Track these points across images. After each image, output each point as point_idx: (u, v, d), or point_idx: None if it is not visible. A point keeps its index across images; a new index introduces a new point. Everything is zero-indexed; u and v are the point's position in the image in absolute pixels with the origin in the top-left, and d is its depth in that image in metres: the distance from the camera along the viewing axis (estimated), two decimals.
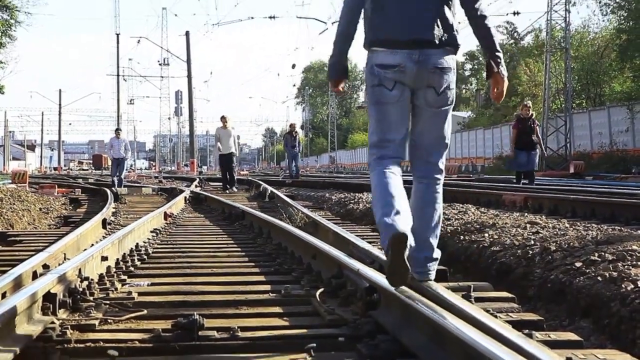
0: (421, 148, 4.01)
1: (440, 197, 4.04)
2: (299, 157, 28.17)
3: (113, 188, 18.79)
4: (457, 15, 4.02)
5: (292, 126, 28.42)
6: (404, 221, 3.59)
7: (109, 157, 25.64)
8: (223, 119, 21.06)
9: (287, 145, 27.44)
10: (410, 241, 3.53)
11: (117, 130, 24.13)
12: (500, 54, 4.01)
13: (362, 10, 4.01)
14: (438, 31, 3.86)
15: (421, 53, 3.83)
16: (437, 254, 4.02)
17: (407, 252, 3.50)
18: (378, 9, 3.92)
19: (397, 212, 3.62)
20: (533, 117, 17.53)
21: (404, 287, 3.62)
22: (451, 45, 3.92)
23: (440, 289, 3.71)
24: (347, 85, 4.99)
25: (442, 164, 4.03)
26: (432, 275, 3.98)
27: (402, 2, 3.88)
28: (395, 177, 3.85)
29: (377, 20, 3.92)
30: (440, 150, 4.01)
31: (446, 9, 3.93)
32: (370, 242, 6.21)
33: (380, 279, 3.86)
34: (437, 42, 3.85)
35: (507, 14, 45.46)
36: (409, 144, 4.02)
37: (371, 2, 3.94)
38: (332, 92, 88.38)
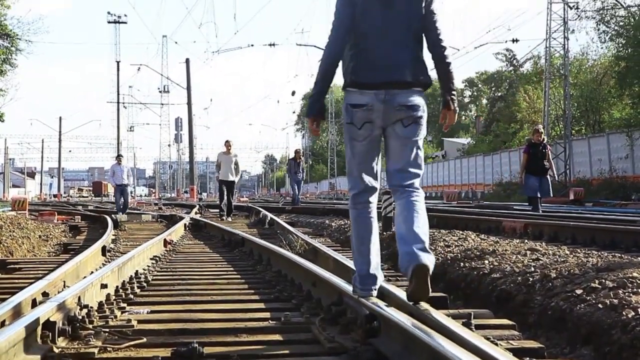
0: (396, 176, 4.39)
1: (420, 204, 4.32)
2: (302, 184, 27.76)
3: (115, 215, 18.73)
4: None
5: (297, 152, 27.63)
6: (372, 269, 4.37)
7: (110, 184, 25.44)
8: (227, 143, 20.19)
9: (290, 172, 26.93)
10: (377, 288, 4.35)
11: (119, 157, 23.86)
12: (455, 92, 4.50)
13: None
14: (410, 73, 4.30)
15: (387, 93, 4.26)
16: (429, 260, 4.10)
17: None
18: (358, 55, 4.35)
19: (368, 262, 4.38)
20: (545, 141, 16.74)
21: (404, 315, 3.62)
22: (421, 85, 4.36)
23: (441, 316, 3.70)
24: (323, 125, 5.23)
25: (416, 184, 4.39)
26: (426, 259, 4.07)
27: (380, 48, 4.31)
28: (370, 217, 4.45)
29: (353, 65, 4.34)
30: (412, 176, 4.37)
31: (418, 53, 4.39)
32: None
33: (381, 305, 3.86)
34: (406, 83, 4.28)
35: (506, 42, 45.55)
36: (387, 172, 4.46)
37: (352, 48, 4.37)
38: (331, 119, 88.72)
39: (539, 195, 16.40)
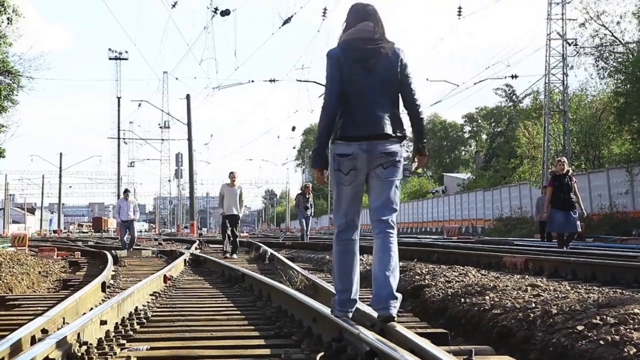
0: (376, 210, 5.05)
1: (394, 246, 5.01)
2: (310, 220, 26.46)
3: (115, 251, 18.66)
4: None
5: (306, 187, 26.31)
6: (352, 295, 5.04)
7: (116, 219, 24.28)
8: (231, 175, 18.51)
9: (299, 207, 25.86)
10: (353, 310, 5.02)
11: (126, 192, 23.25)
12: (426, 141, 5.32)
13: None
14: (388, 127, 5.02)
15: (369, 144, 5.00)
16: (398, 295, 4.89)
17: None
18: (344, 114, 5.08)
19: (349, 288, 5.04)
20: (569, 173, 15.40)
21: (405, 351, 3.61)
22: (397, 137, 5.08)
23: (442, 353, 3.69)
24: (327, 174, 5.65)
25: (393, 222, 5.07)
26: (394, 311, 4.79)
27: (362, 108, 5.03)
28: (352, 251, 5.11)
29: (341, 122, 5.07)
30: (390, 211, 5.07)
31: (395, 110, 5.12)
32: (370, 305, 6.18)
33: (382, 341, 3.84)
34: (385, 135, 5.00)
35: (505, 77, 45.98)
36: (369, 208, 5.09)
37: (340, 108, 5.09)
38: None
39: (567, 230, 15.12)
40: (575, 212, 14.94)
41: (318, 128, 5.14)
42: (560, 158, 16.39)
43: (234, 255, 17.98)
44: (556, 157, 19.24)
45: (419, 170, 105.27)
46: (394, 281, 4.87)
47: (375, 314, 4.85)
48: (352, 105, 5.04)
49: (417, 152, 5.26)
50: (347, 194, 5.10)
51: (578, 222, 15.08)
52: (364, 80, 5.04)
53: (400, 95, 5.16)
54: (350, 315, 4.99)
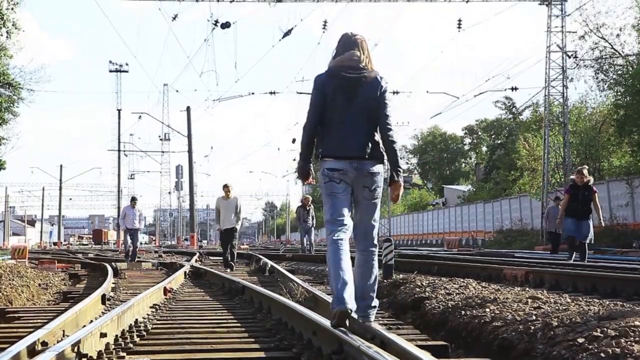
0: (361, 228, 5.69)
1: (375, 263, 5.69)
2: (313, 232, 26.11)
3: (115, 263, 18.64)
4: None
5: (305, 200, 26.34)
6: (349, 294, 5.20)
7: (120, 226, 24.65)
8: (225, 188, 18.03)
9: (299, 220, 25.77)
10: (352, 308, 5.17)
11: (133, 200, 22.64)
12: (401, 169, 5.74)
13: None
14: (367, 149, 5.53)
15: (358, 162, 5.52)
16: (375, 302, 5.64)
17: (347, 321, 5.14)
18: (326, 134, 5.62)
19: (346, 283, 5.22)
20: (590, 183, 15.07)
21: None
22: (378, 158, 5.59)
23: None
24: (313, 177, 6.18)
25: (375, 240, 5.72)
26: (372, 317, 5.58)
27: (345, 131, 5.55)
28: (345, 252, 5.42)
29: (326, 141, 5.62)
30: (373, 229, 5.73)
31: (373, 133, 5.61)
32: None
33: (382, 354, 3.84)
34: (367, 156, 5.52)
35: (505, 89, 45.96)
36: (354, 224, 5.67)
37: (322, 130, 5.64)
38: None
39: (578, 238, 14.87)
40: (589, 223, 14.72)
41: (300, 146, 5.75)
42: (582, 168, 15.70)
43: (228, 270, 16.99)
44: (578, 167, 18.48)
45: (420, 182, 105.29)
46: (373, 293, 5.64)
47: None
48: (335, 127, 5.58)
49: (392, 181, 5.73)
50: (341, 201, 5.57)
51: (591, 232, 14.83)
52: (347, 105, 5.55)
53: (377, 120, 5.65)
54: (350, 307, 5.14)
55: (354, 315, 5.35)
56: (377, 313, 5.78)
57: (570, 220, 14.76)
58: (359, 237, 5.70)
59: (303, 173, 5.81)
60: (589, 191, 14.84)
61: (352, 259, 5.53)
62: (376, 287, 5.69)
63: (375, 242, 5.73)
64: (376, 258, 5.71)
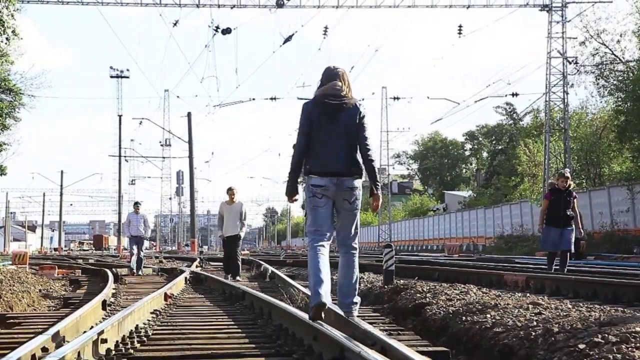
0: (342, 236, 6.53)
1: (356, 263, 6.54)
2: None
3: (115, 269, 18.60)
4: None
5: None
6: (325, 290, 5.97)
7: (125, 235, 21.78)
8: (230, 191, 16.65)
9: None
10: (327, 302, 5.95)
11: (136, 205, 20.93)
12: (379, 183, 6.55)
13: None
14: (347, 166, 6.33)
15: (338, 179, 6.32)
16: (357, 299, 6.50)
17: (323, 314, 5.89)
18: (312, 153, 6.40)
19: (322, 282, 6.02)
20: (571, 188, 13.97)
21: None
22: (357, 174, 6.39)
23: None
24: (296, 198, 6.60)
25: (356, 244, 6.56)
26: (355, 312, 6.40)
27: (329, 151, 6.33)
28: (323, 256, 6.25)
29: (312, 159, 6.40)
30: (354, 236, 6.53)
31: (353, 152, 6.37)
32: (371, 323, 6.18)
33: None
34: (348, 172, 6.34)
35: (506, 95, 46.07)
36: (337, 233, 6.53)
37: (309, 150, 6.39)
38: None
39: (560, 249, 13.60)
40: (572, 230, 13.60)
41: (290, 164, 6.49)
42: (564, 171, 14.53)
43: (238, 277, 16.07)
44: (558, 170, 16.95)
45: (421, 188, 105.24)
46: (355, 291, 6.48)
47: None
48: (320, 148, 6.35)
49: (372, 194, 6.53)
50: (322, 214, 6.39)
51: (572, 240, 13.60)
52: (330, 128, 6.35)
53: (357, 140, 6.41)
54: (324, 301, 5.90)
55: (340, 311, 6.35)
56: (377, 319, 6.20)
57: (553, 230, 13.62)
58: (341, 242, 6.53)
59: (292, 192, 6.59)
60: (571, 196, 13.75)
61: (335, 264, 6.51)
62: (358, 285, 6.55)
63: (355, 245, 6.53)
64: (357, 260, 6.55)
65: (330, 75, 6.57)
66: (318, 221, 6.39)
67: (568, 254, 13.64)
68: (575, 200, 13.82)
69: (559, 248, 13.58)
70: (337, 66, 6.67)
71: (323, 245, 6.33)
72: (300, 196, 6.95)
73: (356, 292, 6.49)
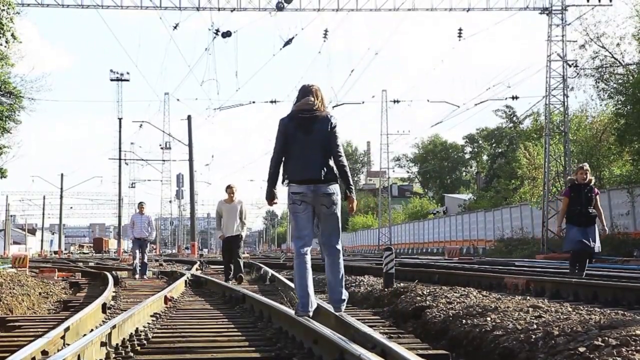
0: (325, 238, 7.02)
1: (341, 262, 7.04)
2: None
3: (115, 272, 18.56)
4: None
5: None
6: (311, 300, 6.64)
7: (129, 236, 20.55)
8: (229, 189, 15.67)
9: None
10: (312, 311, 6.58)
11: (141, 205, 19.92)
12: (352, 186, 7.09)
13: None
14: (323, 173, 6.85)
15: (315, 186, 6.85)
16: (344, 295, 6.96)
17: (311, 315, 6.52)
18: (289, 163, 6.97)
19: (308, 294, 6.65)
20: (592, 183, 12.78)
21: None
22: (332, 180, 6.90)
23: None
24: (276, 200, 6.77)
25: (339, 245, 7.03)
26: (342, 308, 6.89)
27: (304, 160, 6.88)
28: (306, 264, 6.80)
29: (290, 168, 6.97)
30: (336, 237, 7.02)
31: (327, 160, 6.90)
32: (371, 327, 6.18)
33: None
34: (324, 179, 6.86)
35: (505, 98, 46.00)
36: (320, 237, 7.09)
37: (286, 160, 7.00)
38: None
39: (586, 250, 12.38)
40: (595, 230, 12.40)
41: (268, 175, 7.07)
42: (583, 165, 13.32)
43: (241, 274, 15.31)
44: (578, 164, 15.42)
45: (421, 191, 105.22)
46: (342, 288, 6.94)
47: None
48: (297, 158, 6.91)
49: (346, 197, 7.11)
50: (302, 219, 6.92)
51: (598, 242, 12.43)
52: (305, 139, 6.90)
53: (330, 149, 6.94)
54: (311, 314, 6.54)
55: (329, 308, 6.92)
56: (377, 322, 6.37)
57: (575, 229, 12.38)
58: (325, 243, 7.04)
59: (270, 198, 7.18)
60: (592, 192, 12.58)
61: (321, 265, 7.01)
62: (344, 282, 7.04)
63: (339, 247, 7.02)
64: (341, 260, 7.05)
65: (305, 92, 7.14)
66: (299, 226, 6.96)
67: (590, 256, 12.71)
68: (597, 197, 12.69)
69: (586, 248, 12.33)
70: (312, 83, 7.25)
71: (306, 252, 6.88)
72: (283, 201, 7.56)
73: (343, 289, 6.96)
